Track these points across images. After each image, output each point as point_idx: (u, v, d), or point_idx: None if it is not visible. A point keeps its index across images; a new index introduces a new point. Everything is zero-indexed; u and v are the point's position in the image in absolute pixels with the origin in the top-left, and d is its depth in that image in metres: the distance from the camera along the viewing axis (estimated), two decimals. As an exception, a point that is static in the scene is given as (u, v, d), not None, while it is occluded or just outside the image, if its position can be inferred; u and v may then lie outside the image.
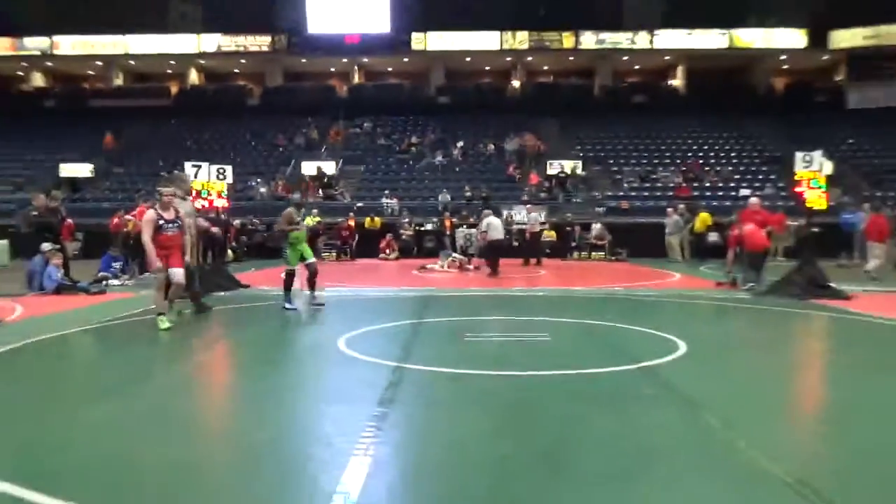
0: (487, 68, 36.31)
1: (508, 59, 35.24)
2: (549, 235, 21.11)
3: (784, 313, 8.94)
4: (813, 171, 10.69)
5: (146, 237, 7.26)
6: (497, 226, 14.63)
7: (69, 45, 34.32)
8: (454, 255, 16.45)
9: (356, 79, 36.51)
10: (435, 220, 23.22)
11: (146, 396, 4.73)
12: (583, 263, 19.41)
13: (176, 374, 5.51)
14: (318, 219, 21.06)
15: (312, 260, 9.38)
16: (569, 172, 26.19)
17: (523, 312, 7.14)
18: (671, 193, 25.25)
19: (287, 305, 8.88)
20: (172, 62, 35.21)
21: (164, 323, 7.25)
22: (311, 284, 9.47)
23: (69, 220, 13.77)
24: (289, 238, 9.17)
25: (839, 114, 31.71)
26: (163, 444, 3.79)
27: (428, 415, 4.35)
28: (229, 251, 19.07)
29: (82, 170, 27.98)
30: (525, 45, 34.59)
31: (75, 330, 7.36)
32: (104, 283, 12.03)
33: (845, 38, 33.39)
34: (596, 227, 21.44)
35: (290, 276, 8.98)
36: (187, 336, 7.19)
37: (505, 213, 16.91)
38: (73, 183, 27.33)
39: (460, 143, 29.98)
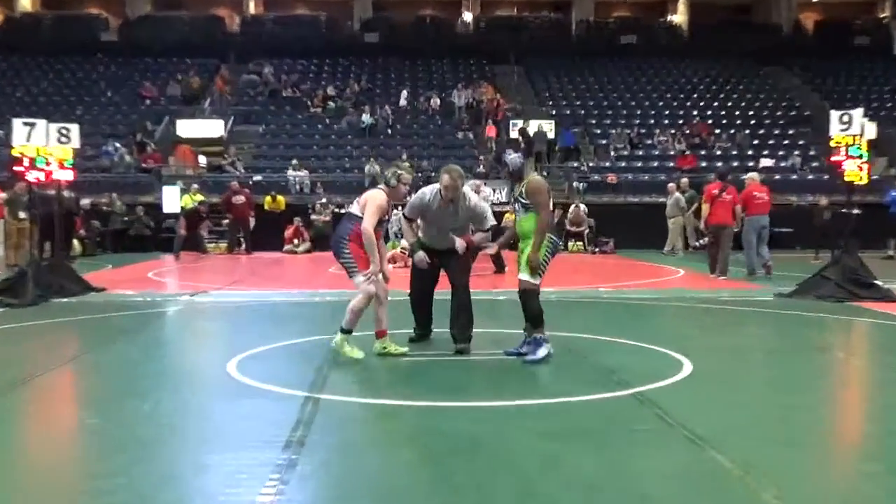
0: (430, -4, 36.48)
1: (458, -17, 35.44)
2: (511, 220, 21.34)
3: (816, 320, 9.20)
4: (852, 136, 10.98)
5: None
6: (486, 208, 14.61)
7: None
8: (402, 242, 16.39)
9: (252, 8, 36.02)
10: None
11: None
12: (558, 257, 19.60)
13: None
14: (199, 198, 20.73)
15: None
16: (536, 136, 26.43)
17: (480, 322, 7.19)
18: (671, 164, 25.78)
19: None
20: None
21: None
22: None
23: None
24: None
25: (884, 61, 32.68)
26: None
27: (349, 463, 4.30)
28: (75, 242, 18.66)
29: None
30: (480, -35, 34.89)
31: None
32: None
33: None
34: (573, 209, 21.73)
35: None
36: (9, 360, 6.94)
37: (486, 190, 16.90)
38: None
39: (402, 95, 29.93)
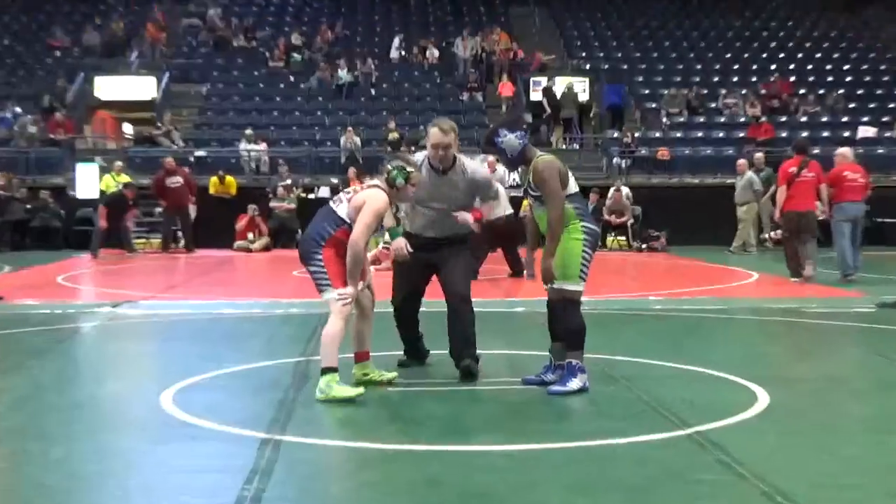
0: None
1: None
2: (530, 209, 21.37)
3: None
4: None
5: None
6: (501, 197, 14.37)
7: None
8: (386, 236, 16.30)
9: (193, -70, 36.01)
10: (335, 180, 23.17)
11: None
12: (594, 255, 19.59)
13: None
14: (125, 179, 20.76)
15: None
16: (565, 97, 26.42)
17: (495, 342, 7.09)
18: (742, 135, 25.80)
19: None
20: None
21: None
22: None
23: None
24: None
25: None
26: None
27: (322, 525, 4.29)
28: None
29: None
30: None
31: None
32: None
33: None
34: (613, 193, 21.74)
35: None
36: None
37: (500, 169, 16.85)
38: None
39: (393, 45, 29.93)
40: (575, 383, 6.55)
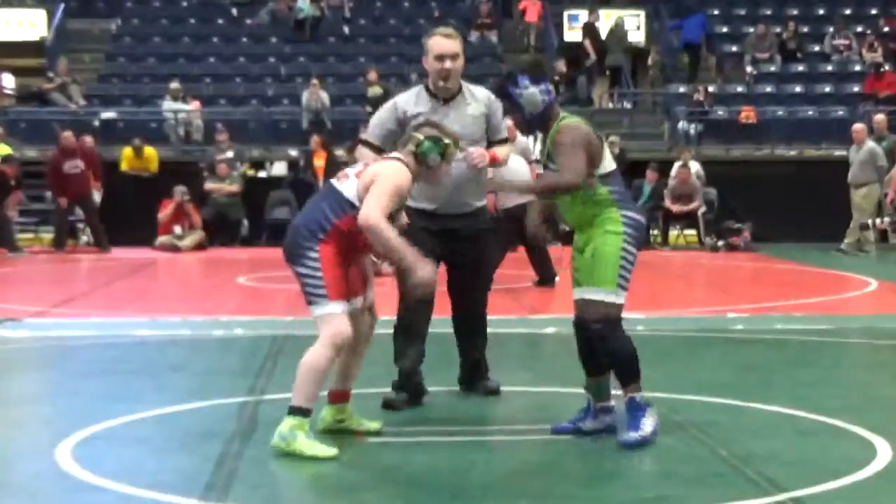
0: None
1: None
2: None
3: None
4: None
5: None
6: (520, 174, 14.04)
7: None
8: None
9: None
10: (294, 153, 23.23)
11: None
12: (652, 255, 19.69)
13: None
14: (5, 151, 20.75)
15: None
16: (612, 37, 26.45)
17: (516, 374, 7.03)
18: (856, 90, 25.78)
19: None
20: None
21: None
22: None
23: None
24: None
25: None
26: None
27: None
28: None
29: None
30: None
31: None
32: None
33: None
34: (679, 170, 21.69)
35: None
36: None
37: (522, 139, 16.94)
38: None
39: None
40: (648, 424, 6.46)
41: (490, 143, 7.39)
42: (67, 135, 21.27)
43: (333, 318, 6.27)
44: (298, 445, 6.19)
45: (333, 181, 6.49)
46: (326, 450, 6.25)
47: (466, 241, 7.27)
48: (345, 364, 6.68)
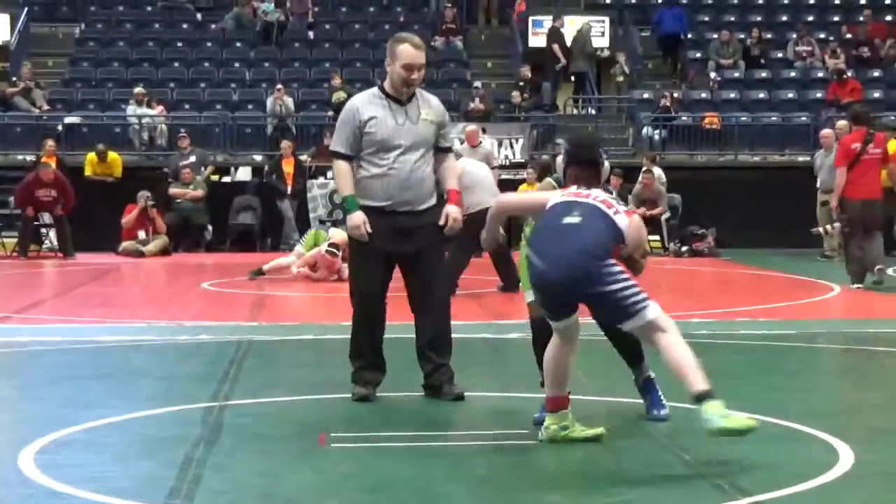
0: None
1: None
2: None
3: None
4: None
5: None
6: (482, 179, 14.55)
7: None
8: (332, 231, 16.15)
9: None
10: (259, 158, 23.16)
11: None
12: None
13: None
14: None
15: None
16: (576, 45, 26.49)
17: (481, 381, 7.03)
18: (819, 95, 25.88)
19: None
20: None
21: None
22: None
23: None
24: None
25: None
26: None
27: None
28: None
29: None
30: None
31: None
32: None
33: None
34: (644, 176, 21.70)
35: None
36: None
37: (488, 142, 16.89)
38: None
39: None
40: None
41: (437, 150, 7.54)
42: (48, 171, 21.00)
43: (660, 314, 6.72)
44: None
45: (600, 206, 6.48)
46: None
47: (421, 240, 7.35)
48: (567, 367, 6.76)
